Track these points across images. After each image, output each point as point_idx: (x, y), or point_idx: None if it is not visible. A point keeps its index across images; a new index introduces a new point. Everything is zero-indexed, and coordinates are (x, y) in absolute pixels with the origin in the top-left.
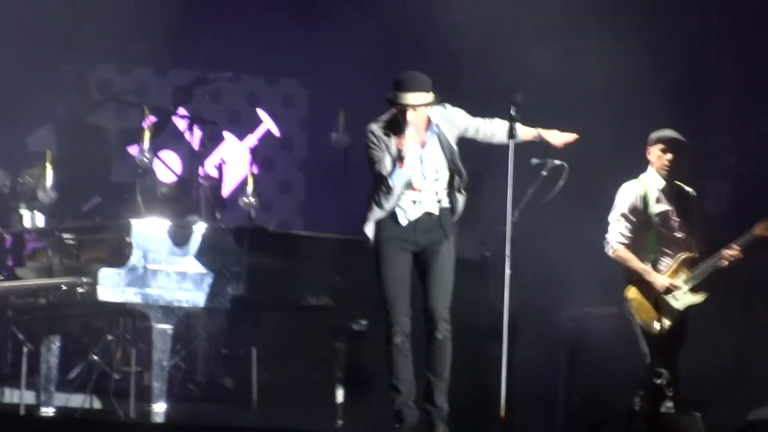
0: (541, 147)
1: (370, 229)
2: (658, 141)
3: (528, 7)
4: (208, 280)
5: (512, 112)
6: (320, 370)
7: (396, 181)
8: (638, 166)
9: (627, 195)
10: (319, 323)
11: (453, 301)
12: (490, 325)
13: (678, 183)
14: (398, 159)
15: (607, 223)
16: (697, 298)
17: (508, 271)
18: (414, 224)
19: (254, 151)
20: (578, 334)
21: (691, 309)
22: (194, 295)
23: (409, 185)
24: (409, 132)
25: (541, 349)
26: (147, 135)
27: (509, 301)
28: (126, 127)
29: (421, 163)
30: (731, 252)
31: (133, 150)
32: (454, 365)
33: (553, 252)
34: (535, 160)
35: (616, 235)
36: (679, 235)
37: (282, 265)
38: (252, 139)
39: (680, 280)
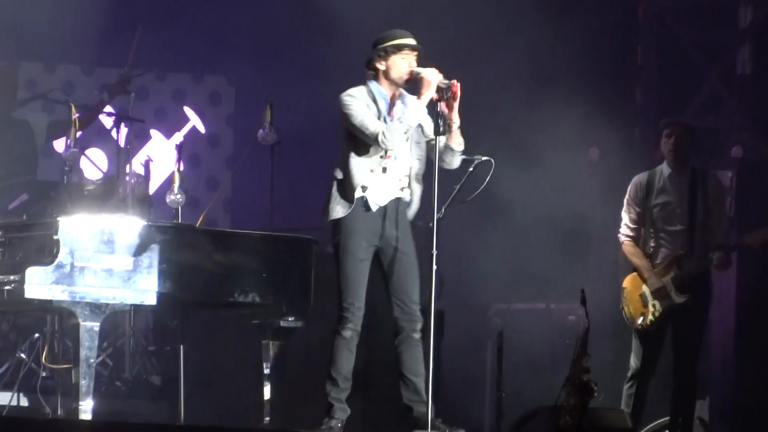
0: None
1: (339, 211)
2: (662, 126)
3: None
4: (135, 277)
5: (438, 108)
6: (248, 367)
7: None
8: (568, 163)
9: (632, 186)
10: (246, 320)
11: (379, 296)
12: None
13: (701, 170)
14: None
15: None
16: (680, 299)
17: (434, 267)
18: (383, 212)
19: (181, 149)
20: (505, 329)
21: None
22: (121, 293)
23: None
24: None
25: (469, 344)
26: (73, 131)
27: (436, 297)
28: (53, 123)
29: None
30: (718, 257)
31: (59, 147)
32: (383, 361)
33: (479, 248)
34: (462, 157)
35: (623, 227)
36: (677, 228)
37: (209, 262)
38: (178, 137)
39: (669, 278)
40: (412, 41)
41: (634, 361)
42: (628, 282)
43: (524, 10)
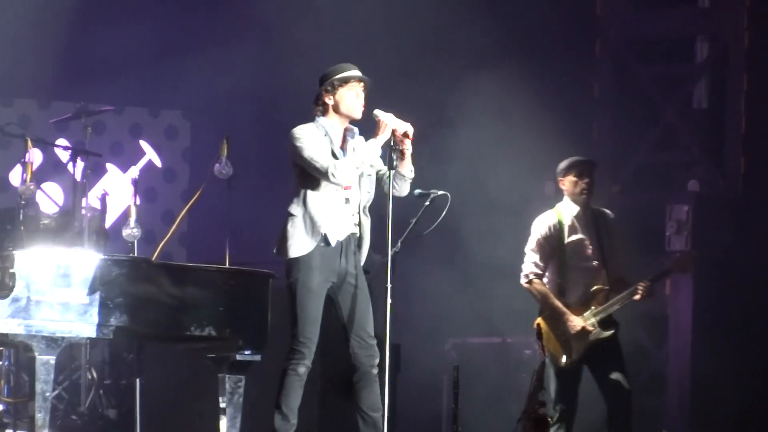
0: (424, 179)
1: (299, 249)
2: (571, 167)
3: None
4: (91, 310)
5: (392, 142)
6: (204, 400)
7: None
8: (521, 195)
9: (540, 226)
10: (203, 354)
11: (333, 330)
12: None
13: (597, 208)
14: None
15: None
16: (605, 334)
17: (389, 301)
18: (340, 247)
19: (137, 183)
20: (461, 363)
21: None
22: (77, 326)
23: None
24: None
25: (425, 378)
26: (30, 167)
27: (391, 332)
28: (8, 158)
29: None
30: (644, 286)
31: (15, 181)
32: (338, 394)
33: (435, 282)
34: (418, 191)
35: (530, 266)
36: (593, 264)
37: (165, 295)
38: (135, 171)
39: (590, 313)
40: (357, 73)
41: (558, 403)
42: (543, 322)
43: (481, 44)
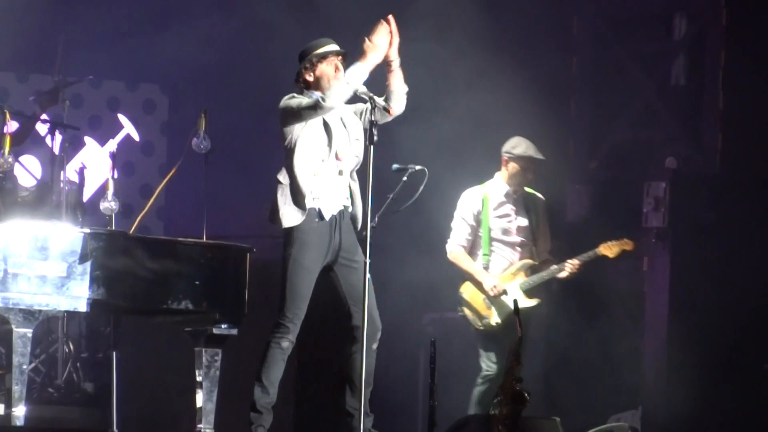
0: (401, 153)
1: (294, 219)
2: (521, 158)
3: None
4: (69, 283)
5: (373, 116)
6: (181, 374)
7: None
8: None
9: (467, 200)
10: (180, 327)
11: (312, 305)
12: (345, 329)
13: (528, 190)
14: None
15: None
16: (530, 302)
17: (368, 276)
18: (334, 222)
19: (115, 156)
20: (438, 338)
21: (535, 313)
22: (55, 299)
23: (335, 153)
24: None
25: (402, 353)
26: (8, 139)
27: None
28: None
29: (344, 125)
30: (572, 265)
31: None
32: (315, 370)
33: (412, 257)
34: (396, 166)
35: (455, 238)
36: (517, 239)
37: (142, 269)
38: (112, 144)
39: (515, 283)
40: (335, 47)
41: (486, 364)
42: (464, 288)
43: (457, 20)
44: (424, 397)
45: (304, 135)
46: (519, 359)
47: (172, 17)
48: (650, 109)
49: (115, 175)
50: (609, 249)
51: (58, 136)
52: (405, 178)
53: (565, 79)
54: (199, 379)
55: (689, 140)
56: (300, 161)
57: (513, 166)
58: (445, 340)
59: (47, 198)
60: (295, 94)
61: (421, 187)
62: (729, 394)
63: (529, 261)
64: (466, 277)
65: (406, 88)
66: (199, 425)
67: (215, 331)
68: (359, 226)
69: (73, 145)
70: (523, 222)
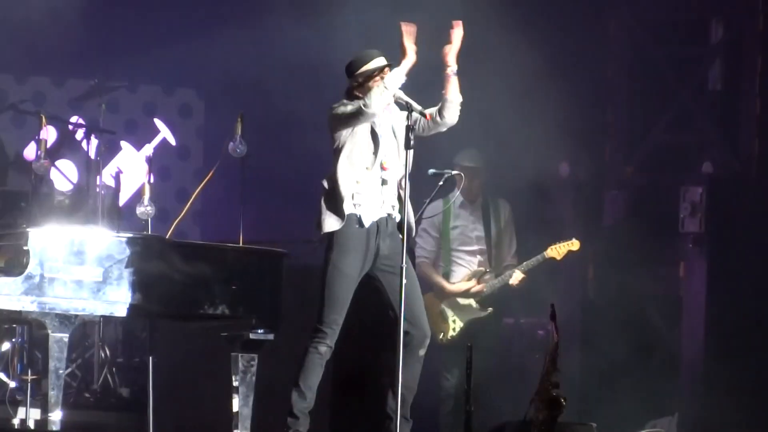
0: (439, 158)
1: (333, 224)
2: (459, 168)
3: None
4: (105, 288)
5: (409, 121)
6: (217, 379)
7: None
8: (534, 177)
9: (429, 212)
10: (216, 332)
11: (350, 310)
12: (384, 334)
13: (493, 199)
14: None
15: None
16: (482, 313)
17: (404, 281)
18: (378, 228)
19: (151, 161)
20: (474, 342)
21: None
22: (91, 304)
23: (380, 163)
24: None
25: (437, 357)
26: (44, 144)
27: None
28: (23, 135)
29: (394, 135)
30: (519, 272)
31: (30, 158)
32: (352, 375)
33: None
34: (432, 170)
35: (419, 250)
36: (476, 248)
37: (179, 274)
38: (149, 149)
39: (469, 293)
40: (381, 61)
41: (444, 377)
42: (428, 300)
43: (494, 25)
44: (461, 402)
45: (351, 142)
46: (555, 364)
47: (209, 22)
48: (687, 114)
49: (152, 180)
50: (556, 251)
51: (94, 141)
52: (441, 183)
53: (602, 84)
54: (235, 384)
55: (726, 145)
56: (343, 167)
57: (460, 177)
58: (482, 345)
59: (83, 203)
60: (344, 101)
61: (457, 192)
62: (766, 401)
63: (482, 270)
64: (435, 289)
65: (460, 98)
66: (235, 430)
67: (252, 336)
68: (413, 225)
69: (109, 150)
70: (481, 231)
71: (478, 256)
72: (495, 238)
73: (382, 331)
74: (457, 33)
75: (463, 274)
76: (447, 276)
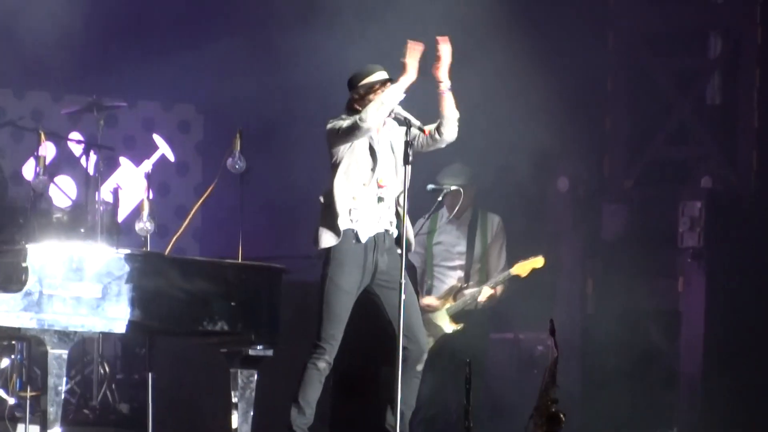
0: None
1: (329, 240)
2: (445, 193)
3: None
4: (104, 305)
5: (407, 136)
6: (216, 395)
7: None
8: (534, 190)
9: (416, 227)
10: (215, 348)
11: (348, 325)
12: (383, 349)
13: (484, 212)
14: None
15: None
16: (453, 328)
17: (402, 296)
18: (375, 243)
19: (150, 177)
20: (473, 358)
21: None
22: (90, 320)
23: (376, 180)
24: None
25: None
26: (42, 160)
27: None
28: (21, 151)
29: (392, 151)
30: (487, 288)
31: (28, 174)
32: (351, 391)
33: None
34: (431, 186)
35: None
36: (456, 263)
37: (178, 290)
38: (147, 165)
39: (443, 309)
40: (383, 75)
41: None
42: None
43: (493, 36)
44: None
45: (349, 158)
46: (555, 380)
47: (208, 37)
48: (685, 128)
49: (151, 196)
50: (521, 268)
51: (93, 157)
52: (440, 198)
53: (601, 97)
54: (234, 400)
55: (724, 159)
56: (340, 183)
57: (458, 193)
58: (481, 360)
59: (82, 219)
60: (342, 116)
61: (457, 207)
62: (765, 415)
63: (457, 285)
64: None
65: (457, 114)
66: None
67: (251, 352)
68: (412, 242)
69: (108, 166)
70: (463, 247)
71: (459, 272)
72: (480, 253)
73: (380, 346)
74: (445, 48)
75: (442, 290)
76: (430, 291)
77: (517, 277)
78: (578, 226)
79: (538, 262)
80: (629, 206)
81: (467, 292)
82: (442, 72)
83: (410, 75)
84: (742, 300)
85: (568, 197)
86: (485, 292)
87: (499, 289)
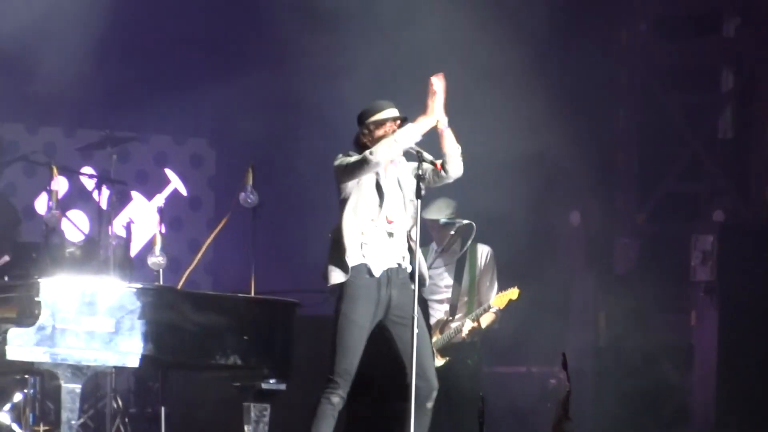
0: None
1: (338, 276)
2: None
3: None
4: (117, 339)
5: (419, 170)
6: (229, 429)
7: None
8: (546, 224)
9: (428, 260)
10: (228, 382)
11: (361, 360)
12: (396, 383)
13: (474, 244)
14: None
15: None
16: (439, 362)
17: (415, 331)
18: (388, 278)
19: (162, 211)
20: (486, 392)
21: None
22: (103, 355)
23: (384, 216)
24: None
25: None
26: (55, 195)
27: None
28: (34, 186)
29: (400, 187)
30: (469, 322)
31: (41, 209)
32: (361, 424)
33: None
34: (443, 220)
35: None
36: (442, 296)
37: (191, 324)
38: (160, 199)
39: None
40: (394, 112)
41: None
42: None
43: (504, 72)
44: None
45: (356, 194)
46: (567, 413)
47: (220, 72)
48: (697, 162)
49: (163, 230)
50: (499, 300)
51: (106, 191)
52: (453, 232)
53: (613, 132)
54: None
55: (736, 193)
56: (348, 219)
57: (471, 227)
58: (494, 394)
59: (95, 253)
60: (350, 152)
61: (470, 241)
62: None
63: (443, 319)
64: None
65: (458, 149)
66: None
67: (264, 386)
68: (426, 278)
69: (120, 200)
70: (449, 280)
71: (446, 305)
72: (468, 286)
73: (391, 382)
74: (439, 84)
75: (432, 322)
76: None
77: (497, 308)
78: (590, 260)
79: (513, 294)
80: (641, 240)
81: (453, 325)
82: (438, 109)
83: (432, 118)
84: (755, 334)
85: (580, 232)
86: (467, 326)
87: (484, 321)
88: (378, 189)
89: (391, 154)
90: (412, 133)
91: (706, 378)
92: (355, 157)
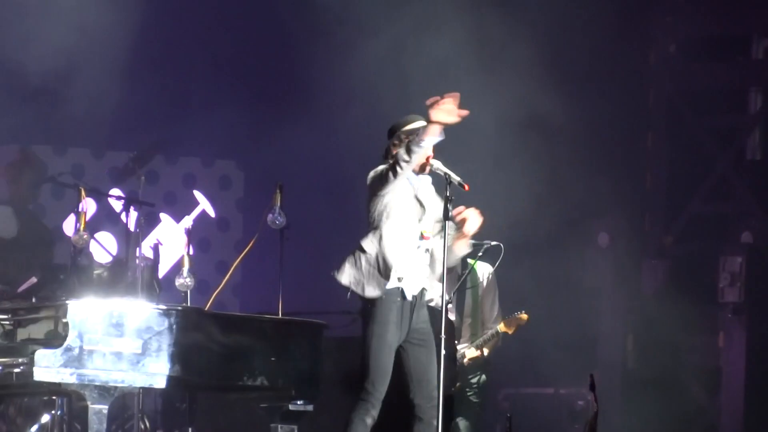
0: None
1: (374, 291)
2: None
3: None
4: (144, 360)
5: (447, 192)
6: None
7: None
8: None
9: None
10: (255, 403)
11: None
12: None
13: (478, 263)
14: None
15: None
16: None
17: (443, 352)
18: (415, 301)
19: (190, 232)
20: (514, 414)
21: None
22: (130, 376)
23: (420, 232)
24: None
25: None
26: (83, 216)
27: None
28: (62, 207)
29: (432, 206)
30: (472, 350)
31: (69, 231)
32: None
33: None
34: (471, 241)
35: None
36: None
37: (218, 345)
38: (188, 221)
39: None
40: (423, 123)
41: None
42: None
43: (537, 93)
44: None
45: (398, 209)
46: None
47: (248, 94)
48: (725, 184)
49: (191, 252)
50: (508, 325)
51: (134, 213)
52: (480, 254)
53: (641, 154)
54: None
55: (765, 214)
56: (389, 234)
57: (499, 248)
58: (521, 416)
59: (123, 275)
60: (380, 166)
61: (497, 263)
62: None
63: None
64: None
65: (463, 254)
66: None
67: (291, 407)
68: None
69: (148, 222)
70: (451, 304)
71: (457, 329)
72: (471, 307)
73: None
74: (475, 220)
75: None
76: None
77: (505, 334)
78: (619, 281)
79: (522, 318)
80: (670, 262)
81: (459, 348)
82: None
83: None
84: None
85: (608, 253)
86: (469, 354)
87: (487, 348)
88: (420, 204)
89: (417, 155)
90: (431, 133)
91: (734, 400)
92: (382, 169)
